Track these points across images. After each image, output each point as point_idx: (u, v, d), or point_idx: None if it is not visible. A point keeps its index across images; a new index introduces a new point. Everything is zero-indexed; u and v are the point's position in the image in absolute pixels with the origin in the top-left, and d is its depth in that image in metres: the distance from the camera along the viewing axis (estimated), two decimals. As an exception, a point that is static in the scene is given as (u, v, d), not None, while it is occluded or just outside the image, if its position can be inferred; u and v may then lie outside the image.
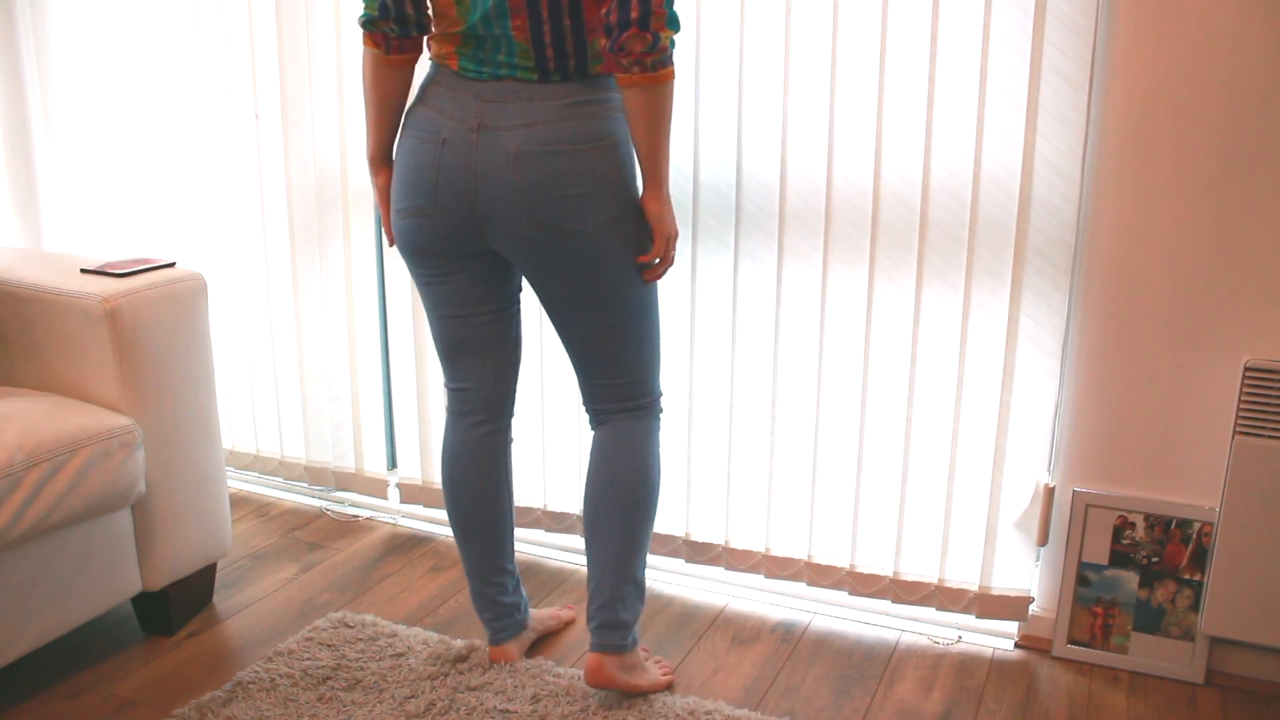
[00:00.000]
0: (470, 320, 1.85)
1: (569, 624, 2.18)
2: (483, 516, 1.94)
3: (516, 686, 1.93)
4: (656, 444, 1.90)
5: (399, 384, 2.60)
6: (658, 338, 1.88)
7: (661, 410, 1.92)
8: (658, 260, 1.78)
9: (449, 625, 2.18)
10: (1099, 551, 2.05)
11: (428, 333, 2.51)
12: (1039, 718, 1.91)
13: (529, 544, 2.53)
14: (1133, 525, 2.02)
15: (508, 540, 1.98)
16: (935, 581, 2.17)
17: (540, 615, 2.13)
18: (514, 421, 2.05)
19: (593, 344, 1.82)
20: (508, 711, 1.85)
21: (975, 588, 2.14)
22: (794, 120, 2.08)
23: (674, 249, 1.79)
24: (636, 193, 1.75)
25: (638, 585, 1.88)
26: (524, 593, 2.05)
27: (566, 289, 1.77)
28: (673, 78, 1.64)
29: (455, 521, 1.95)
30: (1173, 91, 1.84)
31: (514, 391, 1.95)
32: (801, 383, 2.19)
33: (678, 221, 2.09)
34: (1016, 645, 2.14)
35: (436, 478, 2.61)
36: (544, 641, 2.12)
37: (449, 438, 1.94)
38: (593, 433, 1.91)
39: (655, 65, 1.61)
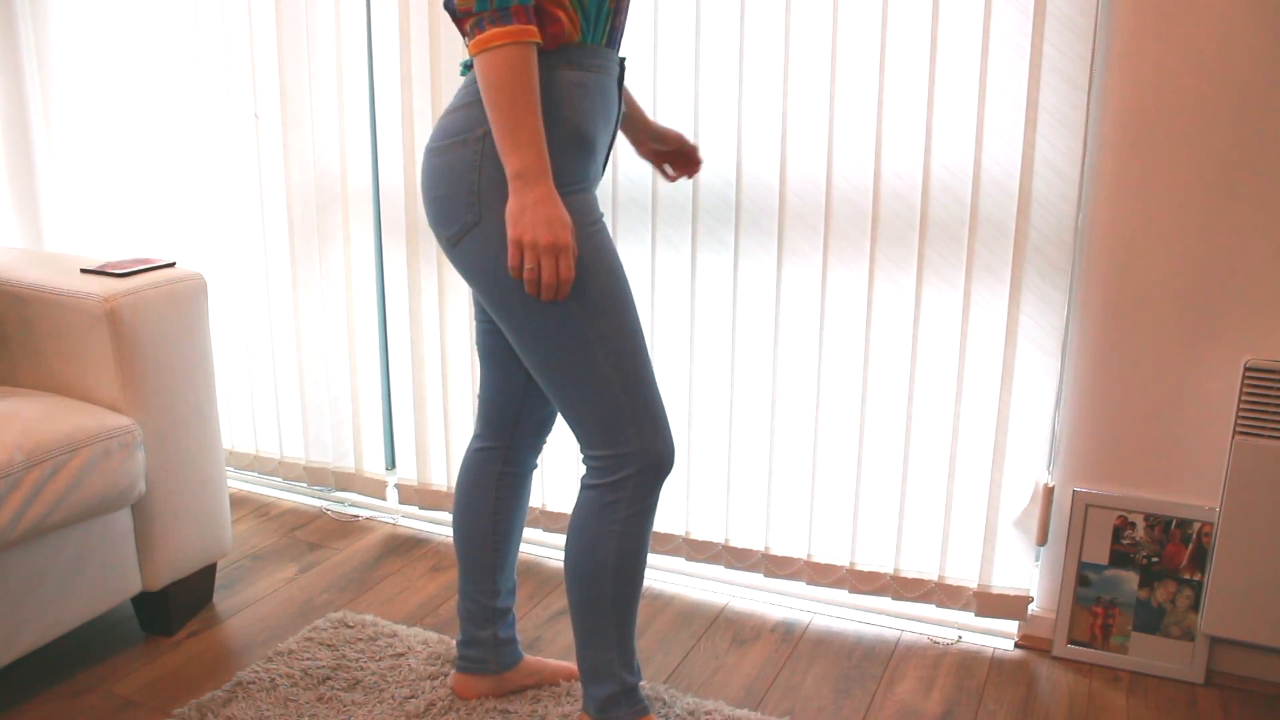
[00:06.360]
0: (483, 325, 1.73)
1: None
2: (461, 536, 1.81)
3: (516, 686, 1.93)
4: (586, 523, 1.60)
5: (397, 385, 2.60)
6: (591, 384, 1.53)
7: (603, 482, 1.57)
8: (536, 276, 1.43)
9: (449, 625, 2.18)
10: (1099, 551, 2.05)
11: (426, 333, 2.52)
12: (1039, 718, 1.91)
13: (528, 544, 2.53)
14: (1133, 525, 2.02)
15: (488, 573, 1.80)
16: (935, 579, 2.17)
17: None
18: (530, 453, 1.82)
19: (534, 372, 1.59)
20: (507, 711, 1.85)
21: (975, 586, 2.14)
22: (794, 120, 2.08)
23: (549, 259, 1.41)
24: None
25: (593, 666, 1.66)
26: (511, 635, 1.87)
27: (485, 304, 1.58)
28: (488, 48, 1.38)
29: (452, 527, 1.86)
30: (1172, 91, 1.84)
31: (527, 418, 1.76)
32: (801, 381, 2.19)
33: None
34: (1016, 645, 2.14)
35: (434, 479, 2.61)
36: (540, 643, 2.12)
37: None
38: None
39: (471, 33, 1.41)
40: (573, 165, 1.51)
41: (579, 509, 1.62)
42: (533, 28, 1.39)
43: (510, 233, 1.42)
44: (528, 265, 1.42)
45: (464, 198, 1.49)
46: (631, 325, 1.54)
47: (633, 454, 1.55)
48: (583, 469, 2.40)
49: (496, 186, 1.47)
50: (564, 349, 1.52)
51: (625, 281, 1.55)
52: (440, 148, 1.52)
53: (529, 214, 1.41)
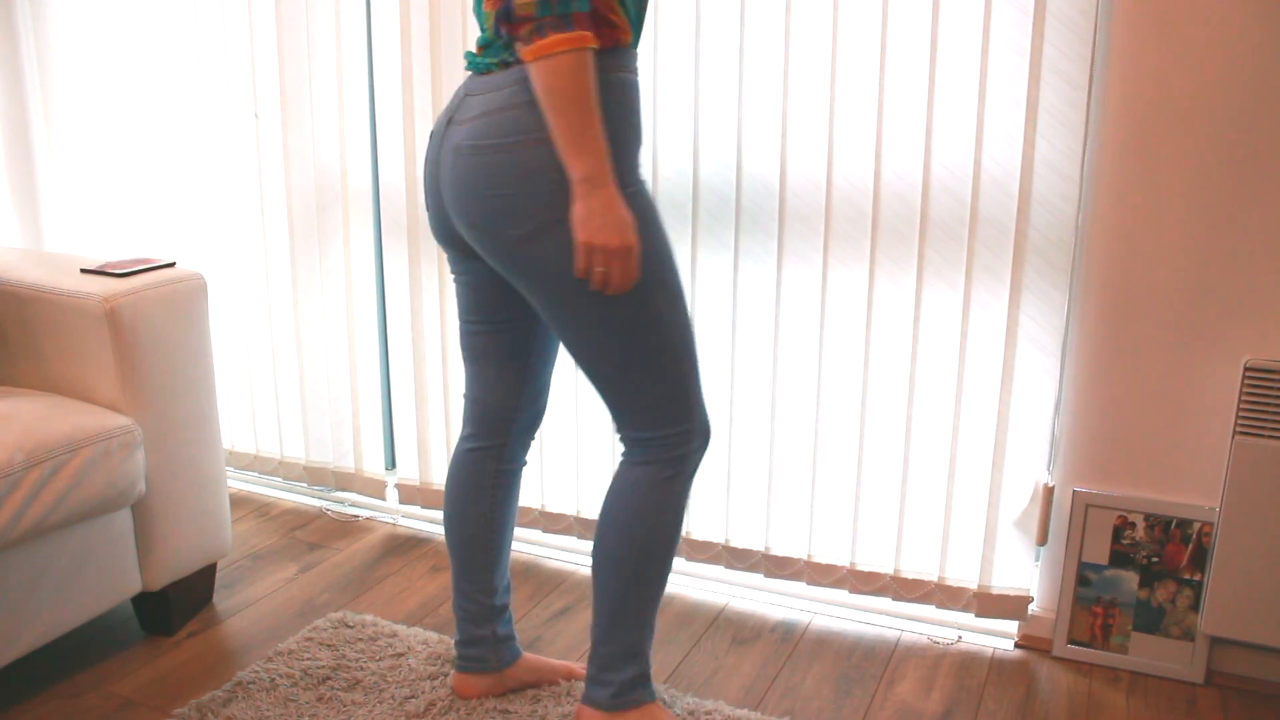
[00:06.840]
0: (475, 326, 1.74)
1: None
2: (457, 537, 1.81)
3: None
4: (647, 499, 1.62)
5: (398, 384, 2.60)
6: (661, 366, 1.57)
7: (664, 458, 1.62)
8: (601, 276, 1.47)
9: (449, 625, 2.18)
10: (1099, 551, 2.05)
11: (427, 333, 2.52)
12: (1039, 718, 1.91)
13: (528, 544, 2.53)
14: (1133, 525, 2.02)
15: (485, 571, 1.82)
16: (935, 580, 2.17)
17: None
18: (522, 450, 1.84)
19: (578, 359, 1.60)
20: (507, 711, 1.85)
21: (975, 586, 2.14)
22: (794, 120, 2.08)
23: (617, 262, 1.45)
24: None
25: (622, 648, 1.68)
26: (510, 632, 1.88)
27: (532, 298, 1.57)
28: (549, 54, 1.39)
29: (444, 528, 1.89)
30: (1172, 91, 1.85)
31: (522, 415, 1.78)
32: (801, 382, 2.19)
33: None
34: (1016, 645, 2.14)
35: (434, 478, 2.61)
36: (540, 643, 2.12)
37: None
38: None
39: (529, 39, 1.40)
40: (637, 165, 1.55)
41: (628, 488, 1.62)
42: (591, 34, 1.40)
43: (579, 236, 1.44)
44: (596, 268, 1.45)
45: (544, 195, 1.48)
46: (687, 307, 1.61)
47: (695, 429, 1.62)
48: (582, 466, 2.39)
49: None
50: (647, 337, 1.55)
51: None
52: (505, 145, 1.48)
53: (597, 218, 1.43)
